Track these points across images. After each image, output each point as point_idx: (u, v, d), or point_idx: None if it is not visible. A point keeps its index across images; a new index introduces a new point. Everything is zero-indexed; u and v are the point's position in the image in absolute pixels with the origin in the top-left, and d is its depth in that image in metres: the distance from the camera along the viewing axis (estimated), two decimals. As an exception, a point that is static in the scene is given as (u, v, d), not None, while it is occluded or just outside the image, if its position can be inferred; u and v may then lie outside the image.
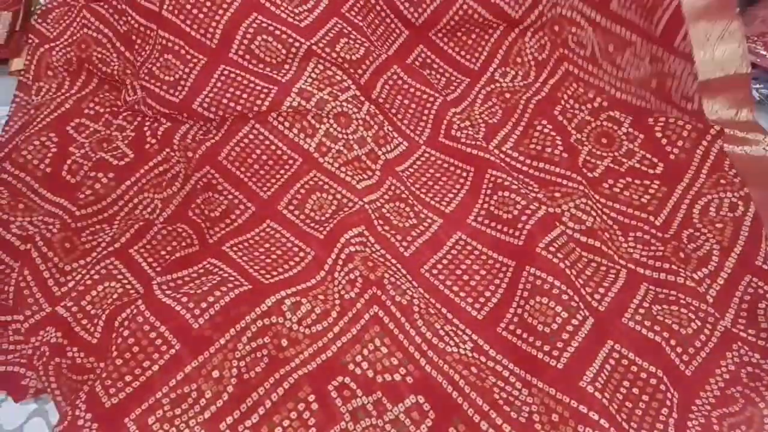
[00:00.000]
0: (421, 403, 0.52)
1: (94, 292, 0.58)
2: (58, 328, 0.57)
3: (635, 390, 0.51)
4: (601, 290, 0.57)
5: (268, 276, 0.59)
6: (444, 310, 0.58)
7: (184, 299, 0.54)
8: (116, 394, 0.51)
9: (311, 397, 0.52)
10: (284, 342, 0.55)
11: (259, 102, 0.67)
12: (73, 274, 0.60)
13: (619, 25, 0.69)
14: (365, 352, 0.54)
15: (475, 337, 0.56)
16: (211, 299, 0.54)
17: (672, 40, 0.64)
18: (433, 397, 0.52)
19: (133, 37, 0.74)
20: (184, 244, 0.65)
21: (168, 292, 0.55)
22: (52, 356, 0.56)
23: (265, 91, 0.67)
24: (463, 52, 0.76)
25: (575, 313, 0.53)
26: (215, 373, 0.53)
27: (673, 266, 0.58)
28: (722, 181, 0.63)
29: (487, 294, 0.59)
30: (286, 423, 0.52)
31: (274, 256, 0.62)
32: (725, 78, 0.66)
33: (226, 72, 0.68)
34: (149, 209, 0.68)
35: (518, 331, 0.55)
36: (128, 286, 0.59)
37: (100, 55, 0.78)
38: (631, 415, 0.50)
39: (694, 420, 0.51)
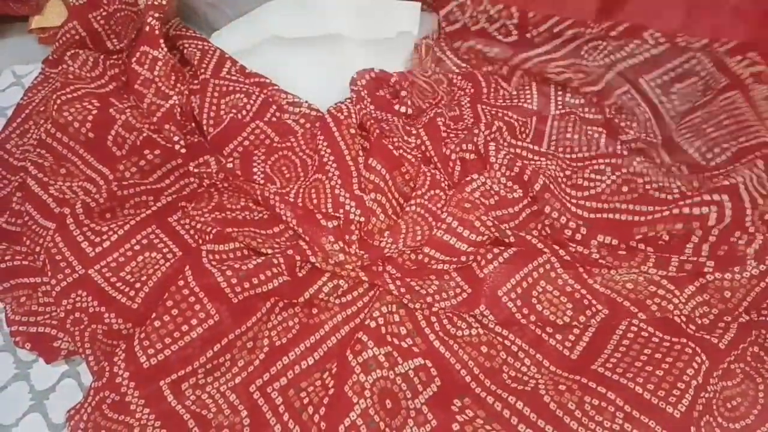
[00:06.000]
0: (429, 367, 0.54)
1: (133, 263, 0.59)
2: (93, 296, 0.57)
3: (657, 355, 0.53)
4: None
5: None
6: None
7: (229, 273, 0.56)
8: (155, 356, 0.53)
9: (335, 366, 0.55)
10: (315, 310, 0.58)
11: None
12: (109, 234, 0.60)
13: None
14: (383, 309, 0.56)
15: (486, 312, 0.57)
16: (255, 281, 0.56)
17: None
18: (440, 368, 0.55)
19: None
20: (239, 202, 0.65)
21: (214, 263, 0.57)
22: (90, 324, 0.57)
23: None
24: None
25: (585, 310, 0.56)
26: (249, 344, 0.56)
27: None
28: None
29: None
30: (310, 389, 0.54)
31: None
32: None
33: None
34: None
35: (531, 317, 0.57)
36: (169, 255, 0.60)
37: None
38: (649, 378, 0.51)
39: (710, 387, 0.52)
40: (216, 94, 0.70)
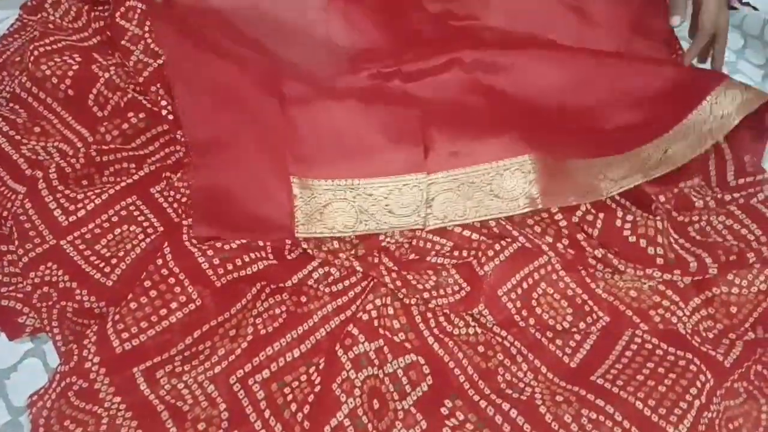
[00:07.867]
0: (421, 365, 0.52)
1: (110, 236, 0.55)
2: (65, 269, 0.53)
3: (661, 369, 0.51)
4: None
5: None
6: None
7: (210, 252, 0.52)
8: (129, 340, 0.49)
9: (322, 361, 0.51)
10: (303, 298, 0.54)
11: None
12: (85, 202, 0.56)
13: None
14: (377, 302, 0.53)
15: (485, 312, 0.55)
16: (238, 263, 0.53)
17: None
18: (433, 366, 0.52)
19: None
20: None
21: (194, 241, 0.53)
22: (59, 300, 0.53)
23: None
24: None
25: (585, 317, 0.54)
26: (232, 332, 0.52)
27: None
28: None
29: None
30: (295, 384, 0.51)
31: None
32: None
33: None
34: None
35: (530, 320, 0.55)
36: (150, 230, 0.56)
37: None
38: (651, 393, 0.49)
39: (713, 406, 0.50)
40: None
